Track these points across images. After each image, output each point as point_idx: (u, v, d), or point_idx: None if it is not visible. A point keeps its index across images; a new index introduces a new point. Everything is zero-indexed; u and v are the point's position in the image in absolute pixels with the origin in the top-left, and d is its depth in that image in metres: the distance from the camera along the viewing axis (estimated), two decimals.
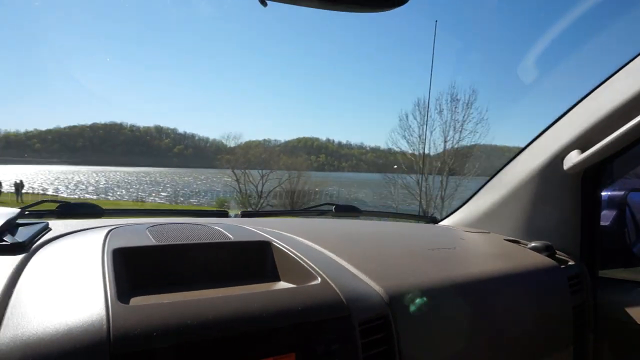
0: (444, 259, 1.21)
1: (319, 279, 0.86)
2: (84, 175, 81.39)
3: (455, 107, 19.53)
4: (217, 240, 1.00)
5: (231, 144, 36.28)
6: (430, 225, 1.93)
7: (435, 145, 20.00)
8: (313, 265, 0.92)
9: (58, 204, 1.33)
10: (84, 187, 49.56)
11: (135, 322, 0.63)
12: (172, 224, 1.15)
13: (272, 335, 0.71)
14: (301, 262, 0.94)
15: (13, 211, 0.98)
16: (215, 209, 2.26)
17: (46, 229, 1.03)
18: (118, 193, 41.47)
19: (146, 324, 0.64)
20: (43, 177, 61.84)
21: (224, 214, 1.56)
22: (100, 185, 53.03)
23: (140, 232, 1.02)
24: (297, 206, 21.04)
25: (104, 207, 1.37)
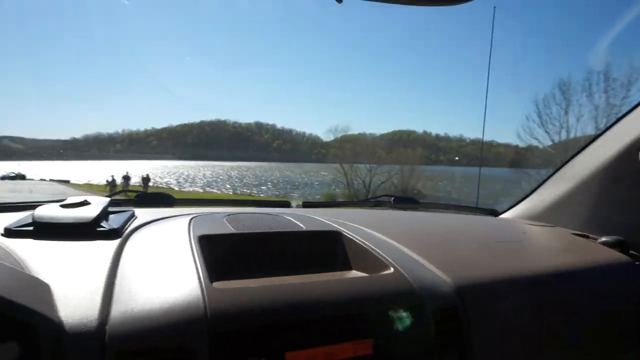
0: (511, 252, 1.21)
1: (392, 268, 0.90)
2: (193, 169, 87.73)
3: (611, 89, 16.22)
4: (290, 230, 1.06)
5: (338, 136, 35.69)
6: (491, 218, 1.87)
7: (583, 133, 16.94)
8: (385, 255, 0.95)
9: (136, 194, 1.44)
10: (192, 180, 53.00)
11: (229, 303, 0.69)
12: (246, 213, 1.22)
13: (352, 320, 0.75)
14: (372, 252, 0.97)
15: (105, 200, 1.09)
16: (278, 199, 2.59)
17: (133, 216, 1.11)
18: (223, 187, 43.33)
19: (238, 305, 0.69)
20: (159, 172, 67.34)
21: (286, 204, 1.61)
22: (208, 179, 56.31)
23: (219, 220, 1.10)
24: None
25: (176, 197, 1.46)
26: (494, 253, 1.18)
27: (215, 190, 38.50)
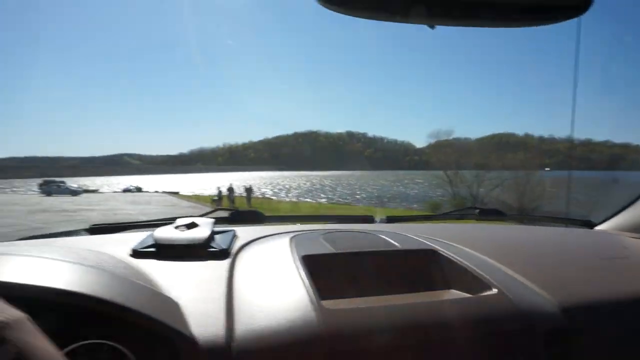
0: (615, 270, 1.14)
1: (495, 289, 0.88)
2: (288, 179, 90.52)
3: None
4: (386, 249, 1.06)
5: (432, 141, 34.08)
6: (587, 231, 1.69)
7: None
8: (485, 275, 0.94)
9: (230, 212, 1.47)
10: (287, 190, 54.55)
11: (343, 324, 0.71)
12: (340, 231, 1.24)
13: (461, 343, 0.75)
14: (472, 271, 0.96)
15: (210, 221, 1.15)
16: (362, 213, 1.80)
17: (235, 235, 1.15)
18: (318, 197, 43.85)
19: (352, 326, 0.71)
20: (257, 182, 70.32)
21: (370, 219, 1.58)
22: (302, 189, 57.58)
23: (317, 239, 1.12)
24: (526, 211, 18.76)
25: (265, 214, 1.51)
26: (597, 270, 1.11)
27: (309, 200, 39.07)
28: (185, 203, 24.20)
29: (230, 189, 24.79)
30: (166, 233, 1.04)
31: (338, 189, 56.44)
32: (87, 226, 1.29)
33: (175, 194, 38.32)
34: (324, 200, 38.97)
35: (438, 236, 1.23)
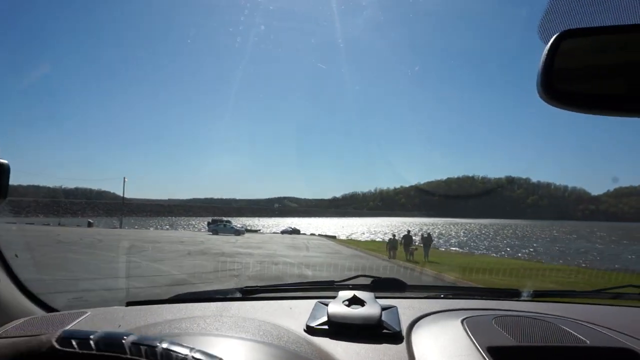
0: None
1: None
2: (441, 226, 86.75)
3: None
4: (574, 344, 0.96)
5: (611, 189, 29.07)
6: None
7: None
8: None
9: (372, 279, 1.46)
10: (445, 238, 51.81)
11: None
12: (511, 315, 1.14)
13: None
14: None
15: (370, 295, 1.13)
16: (505, 287, 1.60)
17: (397, 312, 1.11)
18: (476, 249, 40.65)
19: None
20: (406, 228, 68.58)
21: (515, 293, 1.47)
22: (461, 238, 54.12)
23: (489, 323, 1.05)
24: None
25: (407, 283, 1.48)
26: None
27: (462, 249, 36.21)
28: (347, 250, 23.45)
29: (408, 238, 20.86)
30: (339, 309, 1.02)
31: (498, 239, 51.56)
32: (234, 279, 1.00)
33: (333, 238, 39.16)
34: (482, 251, 35.80)
35: (615, 325, 1.08)
